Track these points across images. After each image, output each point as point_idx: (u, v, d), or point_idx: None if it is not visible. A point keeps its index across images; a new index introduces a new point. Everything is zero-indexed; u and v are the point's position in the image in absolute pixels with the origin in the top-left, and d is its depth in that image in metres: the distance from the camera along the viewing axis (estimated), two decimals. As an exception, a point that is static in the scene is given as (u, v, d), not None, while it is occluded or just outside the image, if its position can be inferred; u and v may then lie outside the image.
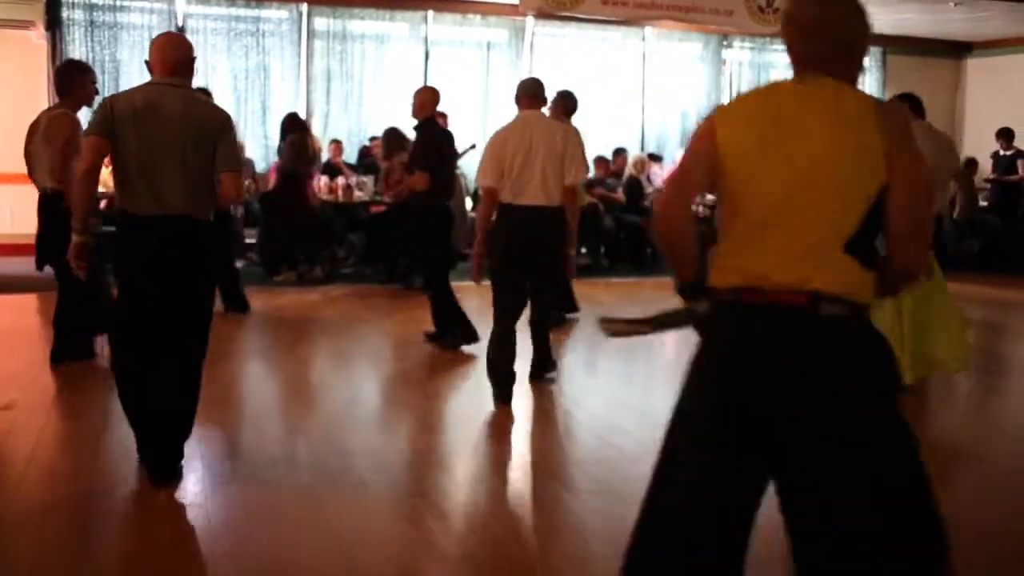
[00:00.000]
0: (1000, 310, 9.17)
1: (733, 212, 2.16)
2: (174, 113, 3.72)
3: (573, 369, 6.59)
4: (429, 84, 11.58)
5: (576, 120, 12.22)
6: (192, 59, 3.97)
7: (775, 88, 2.28)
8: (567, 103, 7.20)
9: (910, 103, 5.78)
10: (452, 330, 6.47)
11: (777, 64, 13.28)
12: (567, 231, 5.31)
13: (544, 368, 5.71)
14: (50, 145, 5.41)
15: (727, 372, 2.05)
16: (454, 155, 6.86)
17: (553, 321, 7.49)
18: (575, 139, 5.52)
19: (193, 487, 3.98)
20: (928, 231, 2.12)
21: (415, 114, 6.59)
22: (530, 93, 5.51)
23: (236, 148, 3.91)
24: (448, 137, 6.94)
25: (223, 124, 3.82)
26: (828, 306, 1.98)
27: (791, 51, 2.25)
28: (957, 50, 14.22)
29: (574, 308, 7.82)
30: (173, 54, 3.88)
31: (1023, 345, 8.10)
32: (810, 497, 1.98)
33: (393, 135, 9.11)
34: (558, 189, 5.20)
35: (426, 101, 6.58)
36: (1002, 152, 11.97)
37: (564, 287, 7.71)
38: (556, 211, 5.22)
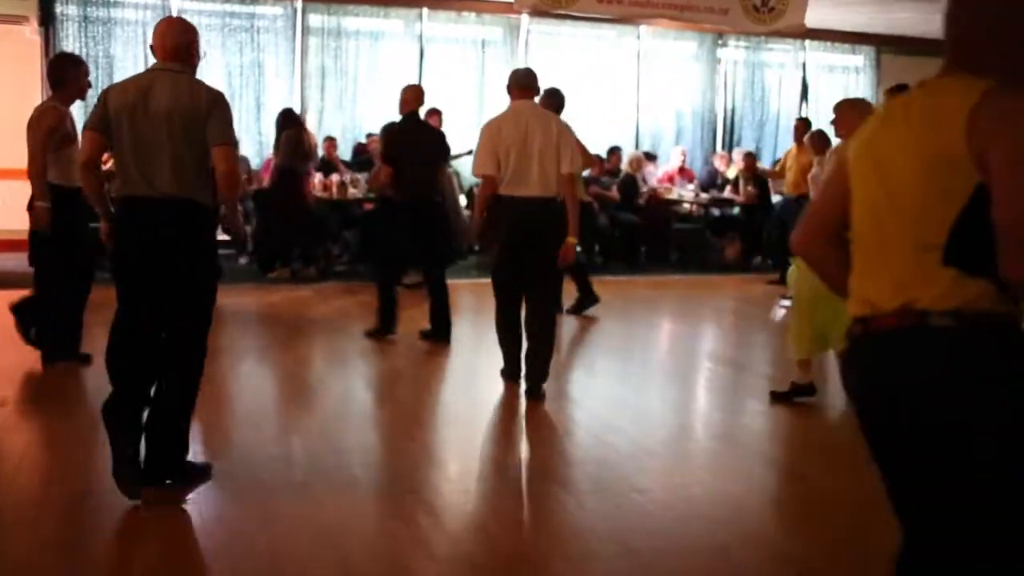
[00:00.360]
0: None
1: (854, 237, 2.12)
2: (163, 98, 3.70)
3: (569, 368, 6.59)
4: (416, 82, 11.65)
5: (570, 118, 12.17)
6: (191, 43, 3.90)
7: (892, 100, 2.21)
8: (554, 101, 7.21)
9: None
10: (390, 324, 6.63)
11: (772, 63, 13.30)
12: (567, 220, 5.32)
13: (537, 375, 5.41)
14: (32, 135, 5.40)
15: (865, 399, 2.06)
16: (427, 152, 6.73)
17: (590, 304, 7.55)
18: (568, 128, 5.52)
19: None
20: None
21: (400, 111, 6.70)
22: (523, 83, 5.52)
23: (227, 123, 3.79)
24: (424, 134, 6.87)
25: (213, 101, 3.75)
26: (938, 319, 1.89)
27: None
28: (951, 50, 14.24)
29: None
30: (172, 39, 3.84)
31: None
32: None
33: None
34: (555, 179, 5.22)
35: (408, 98, 6.65)
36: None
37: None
38: (554, 201, 5.23)
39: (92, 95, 10.03)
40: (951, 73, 1.98)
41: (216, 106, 3.74)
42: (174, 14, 10.68)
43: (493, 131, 5.28)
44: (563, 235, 5.30)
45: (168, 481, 3.73)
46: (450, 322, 6.64)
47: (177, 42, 3.83)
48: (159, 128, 3.69)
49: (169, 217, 3.69)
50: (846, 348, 2.10)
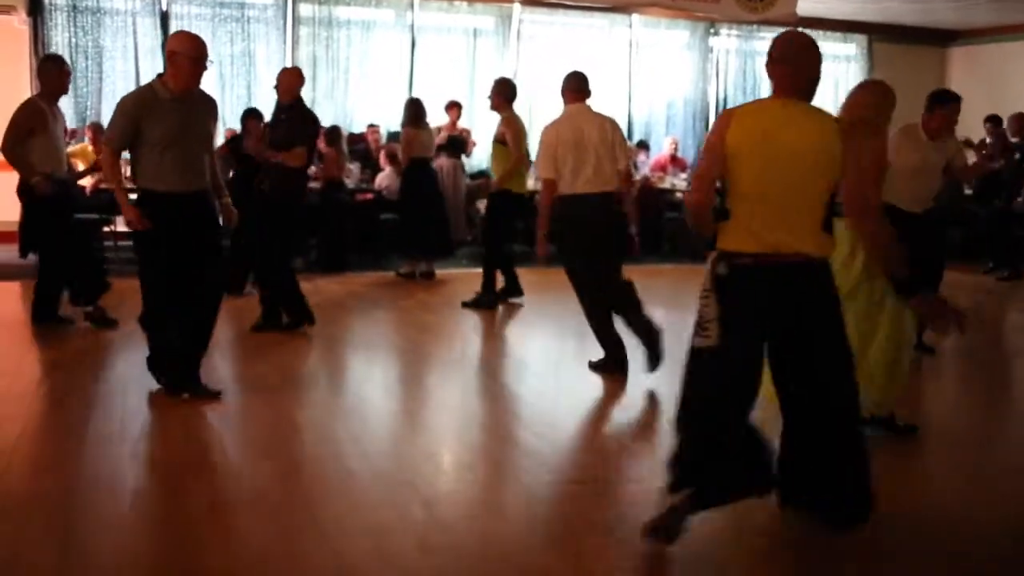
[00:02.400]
0: (986, 296, 9.21)
1: (740, 196, 3.13)
2: None
3: (560, 357, 6.60)
4: (408, 71, 11.63)
5: (561, 106, 12.14)
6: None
7: (765, 104, 3.26)
8: (504, 89, 7.63)
9: None
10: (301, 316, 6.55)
11: (763, 52, 13.18)
12: (627, 212, 5.73)
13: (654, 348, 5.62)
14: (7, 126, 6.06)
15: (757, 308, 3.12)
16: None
17: (486, 304, 7.61)
18: (617, 125, 5.86)
19: (177, 476, 3.97)
20: (873, 206, 3.33)
21: (283, 98, 6.58)
22: (574, 87, 5.87)
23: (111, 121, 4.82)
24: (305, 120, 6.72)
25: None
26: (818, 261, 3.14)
27: (774, 80, 3.19)
28: (942, 38, 14.25)
29: (519, 292, 7.98)
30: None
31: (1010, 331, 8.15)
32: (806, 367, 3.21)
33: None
34: (612, 175, 5.56)
35: (293, 84, 6.61)
36: (988, 140, 11.99)
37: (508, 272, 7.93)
38: (611, 196, 5.56)
39: (84, 88, 10.09)
40: (798, 99, 3.16)
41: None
42: (164, 4, 10.67)
43: (551, 136, 5.60)
44: (623, 226, 5.71)
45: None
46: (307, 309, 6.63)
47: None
48: None
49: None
50: (736, 270, 3.08)
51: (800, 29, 12.99)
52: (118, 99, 4.88)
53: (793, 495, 3.36)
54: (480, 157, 11.14)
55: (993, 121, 11.93)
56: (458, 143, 10.71)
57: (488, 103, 7.89)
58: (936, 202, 6.24)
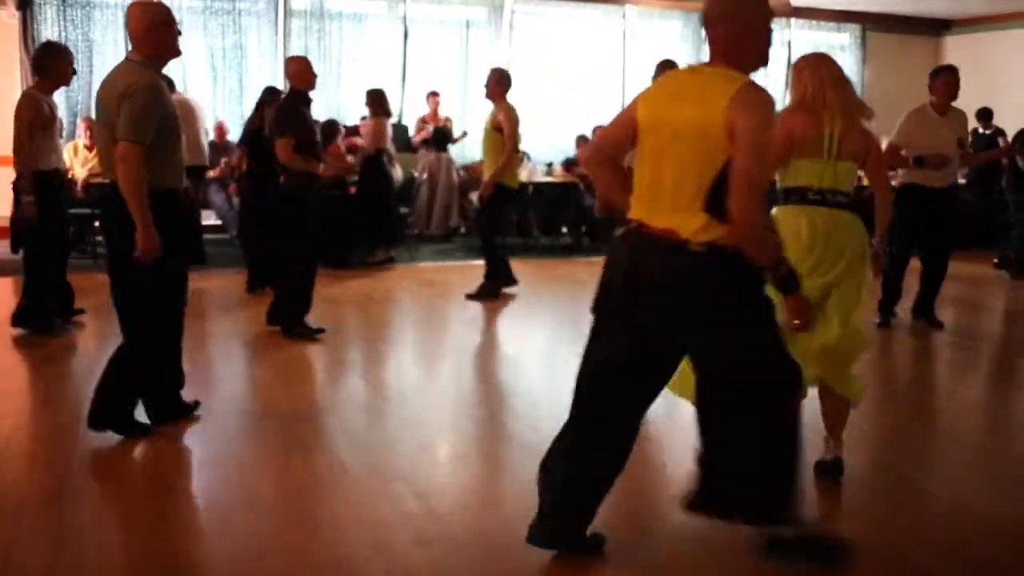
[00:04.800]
0: (976, 287, 9.21)
1: (637, 166, 2.90)
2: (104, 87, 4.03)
3: (557, 347, 6.58)
4: (401, 64, 11.58)
5: (556, 98, 12.15)
6: (149, 27, 4.01)
7: (678, 72, 3.07)
8: (502, 79, 7.64)
9: None
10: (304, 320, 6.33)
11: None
12: None
13: None
14: (14, 124, 5.72)
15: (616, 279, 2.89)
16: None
17: (490, 294, 7.64)
18: None
19: (170, 472, 3.95)
20: (753, 189, 2.66)
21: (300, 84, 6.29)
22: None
23: (131, 116, 3.87)
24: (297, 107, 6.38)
25: (122, 92, 3.90)
26: (695, 247, 2.73)
27: (708, 40, 2.82)
28: (936, 27, 14.23)
29: (513, 281, 8.00)
30: (129, 26, 4.08)
31: (997, 321, 8.15)
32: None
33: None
34: None
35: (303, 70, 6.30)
36: (981, 131, 12.00)
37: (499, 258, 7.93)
38: None
39: (74, 82, 10.04)
40: (715, 64, 2.79)
41: (125, 98, 3.90)
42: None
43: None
44: None
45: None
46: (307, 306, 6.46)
47: (132, 29, 4.05)
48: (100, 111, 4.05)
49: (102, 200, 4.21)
50: (622, 234, 2.92)
51: (793, 19, 13.04)
52: None
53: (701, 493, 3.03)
54: (473, 148, 11.12)
55: (984, 116, 11.94)
56: (444, 134, 10.71)
57: (483, 92, 7.85)
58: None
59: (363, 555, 3.19)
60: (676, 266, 2.75)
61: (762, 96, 2.67)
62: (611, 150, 3.06)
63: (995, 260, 10.11)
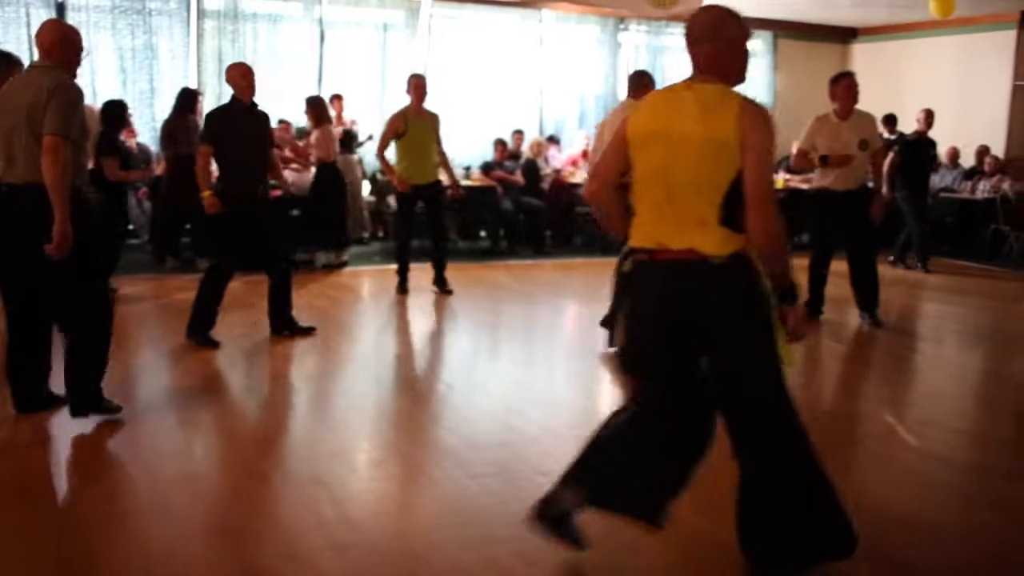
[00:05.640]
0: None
1: (637, 189, 2.96)
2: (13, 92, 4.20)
3: (473, 353, 6.59)
4: (317, 66, 11.48)
5: (474, 102, 12.20)
6: (62, 41, 4.27)
7: (671, 88, 2.95)
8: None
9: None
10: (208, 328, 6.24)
11: (672, 47, 13.46)
12: None
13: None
14: None
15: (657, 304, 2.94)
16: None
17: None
18: None
19: (74, 479, 3.84)
20: (769, 201, 2.75)
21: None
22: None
23: (61, 112, 4.06)
24: (237, 115, 6.20)
25: (51, 89, 4.08)
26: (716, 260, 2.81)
27: (692, 62, 2.92)
28: (844, 35, 14.65)
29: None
30: (41, 38, 4.28)
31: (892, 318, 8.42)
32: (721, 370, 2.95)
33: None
34: None
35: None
36: (887, 136, 12.39)
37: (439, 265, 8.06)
38: None
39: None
40: (706, 79, 2.87)
41: (52, 95, 4.08)
42: (60, -6, 10.29)
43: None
44: None
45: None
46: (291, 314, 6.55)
47: (41, 41, 4.25)
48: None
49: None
50: (637, 266, 2.96)
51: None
52: None
53: (744, 538, 3.07)
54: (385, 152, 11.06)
55: (889, 122, 12.36)
56: (352, 137, 10.67)
57: (405, 95, 7.95)
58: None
59: (276, 562, 3.15)
60: (707, 286, 2.82)
61: (764, 111, 2.80)
62: (615, 179, 3.09)
63: (890, 258, 10.52)
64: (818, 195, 7.02)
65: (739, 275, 2.82)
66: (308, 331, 6.56)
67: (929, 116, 9.99)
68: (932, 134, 10.19)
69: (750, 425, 2.93)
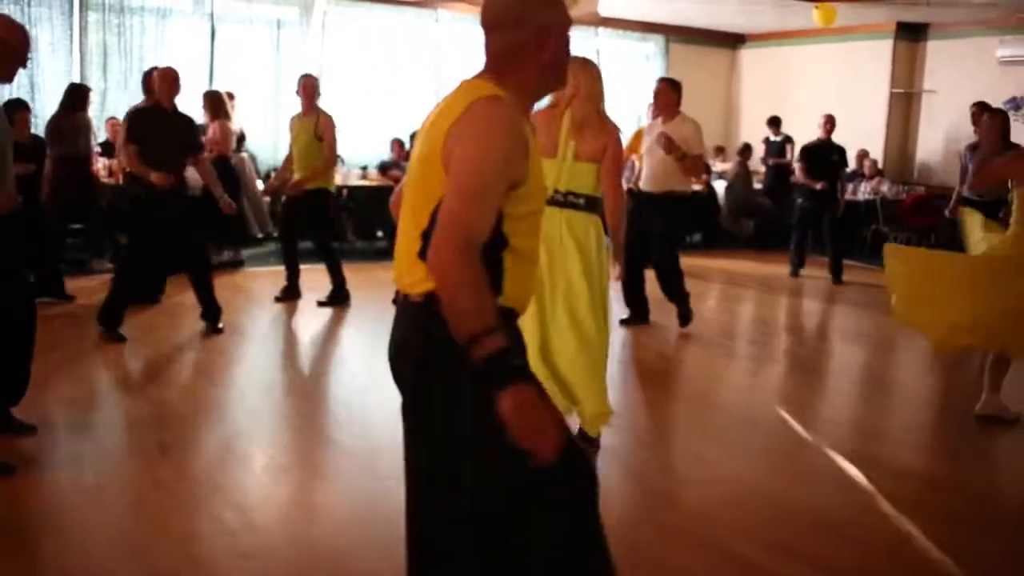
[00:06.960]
0: (768, 285, 9.82)
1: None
2: None
3: (370, 353, 6.54)
4: (208, 63, 11.23)
5: (371, 101, 12.11)
6: None
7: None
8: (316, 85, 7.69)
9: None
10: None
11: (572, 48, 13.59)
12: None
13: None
14: None
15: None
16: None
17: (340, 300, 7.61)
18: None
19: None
20: (453, 232, 1.89)
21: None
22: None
23: None
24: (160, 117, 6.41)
25: None
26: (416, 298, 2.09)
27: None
28: (732, 41, 15.06)
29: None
30: None
31: (785, 315, 8.72)
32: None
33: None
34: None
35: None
36: (772, 138, 12.80)
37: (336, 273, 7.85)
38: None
39: None
40: (482, 76, 2.11)
41: None
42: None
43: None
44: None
45: None
46: (218, 311, 6.64)
47: None
48: None
49: None
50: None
51: (601, 28, 13.49)
52: None
53: None
54: (280, 151, 10.89)
55: (774, 123, 12.78)
56: (241, 135, 10.50)
57: (297, 95, 7.77)
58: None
59: (178, 570, 3.08)
60: (405, 329, 2.20)
61: (497, 114, 1.97)
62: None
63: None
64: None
65: (430, 321, 2.01)
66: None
67: (829, 121, 9.87)
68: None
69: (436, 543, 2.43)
